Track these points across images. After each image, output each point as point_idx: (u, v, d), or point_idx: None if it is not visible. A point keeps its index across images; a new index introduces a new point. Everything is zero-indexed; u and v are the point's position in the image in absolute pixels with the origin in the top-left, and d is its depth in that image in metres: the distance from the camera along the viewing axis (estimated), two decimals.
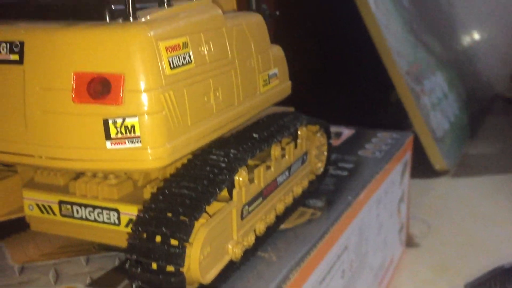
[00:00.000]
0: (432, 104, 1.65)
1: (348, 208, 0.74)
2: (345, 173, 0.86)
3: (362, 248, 0.81)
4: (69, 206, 0.59)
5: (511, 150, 1.74)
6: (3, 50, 0.45)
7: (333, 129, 1.12)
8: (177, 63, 0.46)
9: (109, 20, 0.46)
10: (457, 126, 1.76)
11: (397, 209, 1.02)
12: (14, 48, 0.45)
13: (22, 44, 0.45)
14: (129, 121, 0.43)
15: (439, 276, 1.01)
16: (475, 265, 1.03)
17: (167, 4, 0.50)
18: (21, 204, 0.62)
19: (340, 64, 1.78)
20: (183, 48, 0.48)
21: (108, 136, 0.43)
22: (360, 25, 1.52)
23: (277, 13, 0.74)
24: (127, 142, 0.43)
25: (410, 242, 1.13)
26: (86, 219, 0.59)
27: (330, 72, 1.78)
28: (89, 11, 0.46)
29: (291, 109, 0.80)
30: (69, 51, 0.44)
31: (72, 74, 0.43)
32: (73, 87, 0.43)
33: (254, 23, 0.62)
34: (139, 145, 0.43)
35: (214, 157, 0.55)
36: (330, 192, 0.79)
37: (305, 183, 0.76)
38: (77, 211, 0.59)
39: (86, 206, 0.58)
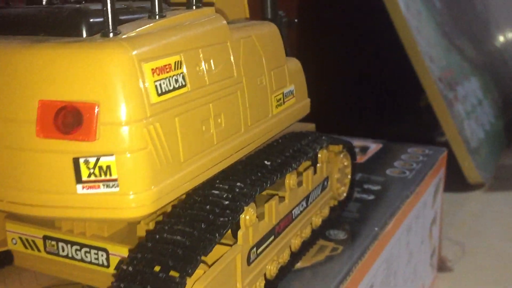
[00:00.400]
0: (466, 112, 1.53)
1: (374, 241, 0.65)
2: (371, 197, 0.77)
3: (390, 283, 0.72)
4: (54, 242, 0.52)
5: None
6: None
7: (359, 142, 1.02)
8: (166, 88, 0.38)
9: (86, 35, 0.38)
10: (493, 135, 1.64)
11: (429, 233, 0.92)
12: None
13: None
14: (104, 161, 0.35)
15: None
16: None
17: (158, 15, 0.41)
18: (5, 236, 0.55)
19: (367, 70, 1.68)
20: (175, 69, 0.39)
21: (79, 179, 0.35)
22: (389, 28, 1.42)
23: (296, 20, 0.65)
24: (101, 186, 0.35)
25: (442, 267, 1.03)
26: (73, 257, 0.51)
27: (356, 78, 1.69)
28: (63, 24, 0.38)
29: (311, 126, 0.70)
30: (34, 74, 0.35)
31: (37, 102, 0.35)
32: (37, 118, 0.35)
33: (267, 34, 0.53)
34: (117, 189, 0.35)
35: (216, 192, 0.47)
36: (354, 221, 0.69)
37: (326, 212, 0.67)
38: (63, 249, 0.51)
39: (72, 243, 0.50)
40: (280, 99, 0.54)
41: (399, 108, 1.87)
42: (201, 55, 0.42)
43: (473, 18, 2.00)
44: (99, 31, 0.38)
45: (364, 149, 0.99)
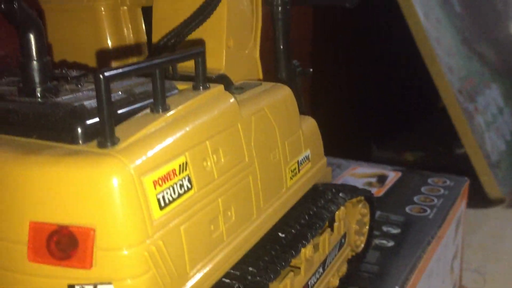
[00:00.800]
0: (487, 123, 1.48)
1: None
2: (390, 243, 0.73)
3: None
4: None
5: None
6: None
7: (377, 170, 0.98)
8: (170, 198, 0.34)
9: (82, 141, 0.34)
10: None
11: (450, 269, 0.88)
12: None
13: None
14: None
15: None
16: None
17: (161, 108, 0.37)
18: None
19: (385, 82, 1.63)
20: (180, 173, 0.35)
21: None
22: (408, 40, 1.36)
23: (311, 70, 0.61)
24: None
25: None
26: None
27: (373, 91, 1.64)
28: (57, 128, 0.34)
29: (322, 161, 0.64)
30: (24, 191, 0.32)
31: (28, 223, 0.32)
32: (28, 241, 0.32)
33: (280, 102, 0.49)
34: None
35: (227, 280, 0.43)
36: (373, 276, 0.65)
37: (343, 269, 0.63)
38: None
39: None
40: (294, 169, 0.50)
41: (417, 113, 1.82)
42: (208, 148, 0.38)
43: (494, 20, 1.93)
44: (95, 135, 0.34)
45: (382, 179, 0.95)
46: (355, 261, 0.67)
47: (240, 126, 0.42)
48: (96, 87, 0.32)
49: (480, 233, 1.24)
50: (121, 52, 0.55)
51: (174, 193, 0.35)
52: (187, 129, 0.37)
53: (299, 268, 0.52)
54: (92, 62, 0.54)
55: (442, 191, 0.88)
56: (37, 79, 0.37)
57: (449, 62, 1.41)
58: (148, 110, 0.38)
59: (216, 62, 0.51)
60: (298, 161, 0.51)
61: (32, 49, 0.37)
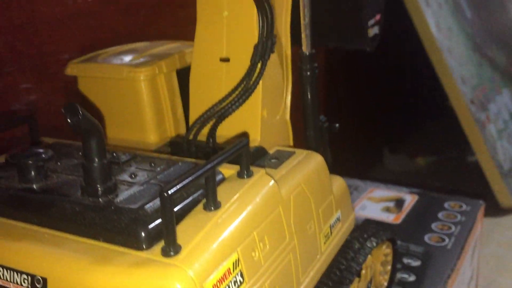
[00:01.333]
0: (498, 131, 1.50)
1: None
2: (412, 278, 0.76)
3: None
4: None
5: None
6: (23, 282, 0.38)
7: (393, 193, 1.01)
8: None
9: (146, 246, 0.37)
10: None
11: None
12: (37, 284, 0.38)
13: (45, 281, 0.37)
14: None
15: None
16: None
17: (213, 206, 0.41)
18: None
19: (396, 87, 1.65)
20: (233, 271, 0.39)
21: None
22: (419, 50, 1.39)
23: (337, 125, 0.64)
24: None
25: None
26: None
27: (385, 98, 1.66)
28: (123, 233, 0.38)
29: (351, 217, 0.68)
30: None
31: None
32: None
33: (314, 173, 0.52)
34: None
35: None
36: None
37: None
38: None
39: None
40: (328, 233, 0.54)
41: (429, 118, 1.84)
42: (256, 238, 0.42)
43: (504, 22, 1.94)
44: (157, 238, 0.38)
45: (399, 203, 0.98)
46: None
47: (281, 208, 0.46)
48: (161, 203, 0.35)
49: (493, 243, 1.27)
50: (160, 120, 0.58)
51: None
52: (239, 225, 0.40)
53: None
54: (132, 132, 0.57)
55: (459, 217, 0.91)
56: (98, 180, 0.41)
57: (461, 72, 1.43)
58: (201, 207, 0.41)
59: (252, 133, 0.54)
60: (330, 225, 0.54)
61: (94, 152, 0.40)
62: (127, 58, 0.59)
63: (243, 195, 0.43)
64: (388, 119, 1.71)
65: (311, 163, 0.52)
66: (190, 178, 0.37)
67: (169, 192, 0.35)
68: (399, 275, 0.77)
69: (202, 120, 0.53)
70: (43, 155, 0.45)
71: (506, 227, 1.35)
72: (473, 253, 0.92)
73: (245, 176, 0.45)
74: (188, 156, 0.52)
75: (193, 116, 0.56)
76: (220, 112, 0.53)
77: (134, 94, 0.57)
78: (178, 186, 0.36)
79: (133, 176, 0.44)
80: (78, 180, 0.43)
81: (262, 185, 0.45)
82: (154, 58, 0.59)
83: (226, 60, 0.54)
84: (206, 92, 0.55)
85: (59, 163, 0.47)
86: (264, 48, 0.51)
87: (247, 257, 0.40)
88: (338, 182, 0.58)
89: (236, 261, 0.39)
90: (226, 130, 0.54)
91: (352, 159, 1.52)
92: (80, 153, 0.48)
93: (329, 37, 0.66)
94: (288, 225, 0.46)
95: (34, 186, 0.43)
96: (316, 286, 0.54)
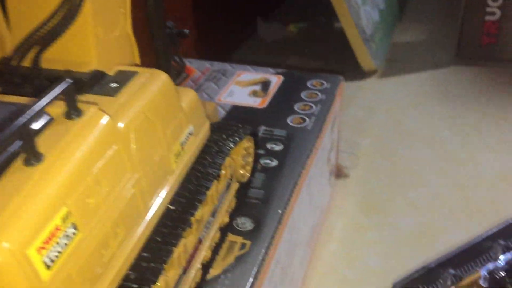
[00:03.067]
0: None
1: (279, 225, 0.68)
2: (274, 163, 0.77)
3: (292, 244, 0.76)
4: None
5: (437, 33, 1.65)
6: None
7: (260, 75, 0.99)
8: (56, 253, 0.35)
9: None
10: (387, 13, 1.64)
11: (327, 161, 0.96)
12: None
13: None
14: None
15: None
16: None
17: (34, 159, 0.36)
18: None
19: None
20: (63, 225, 0.35)
21: None
22: None
23: (187, 31, 0.58)
24: None
25: (339, 174, 1.09)
26: None
27: None
28: None
29: (206, 126, 0.63)
30: None
31: None
32: None
33: (160, 96, 0.47)
34: None
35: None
36: (259, 203, 0.70)
37: (232, 204, 0.67)
38: None
39: None
40: (178, 151, 0.51)
41: None
42: (90, 184, 0.38)
43: None
44: None
45: (265, 85, 0.97)
46: (242, 190, 0.70)
47: (120, 144, 0.42)
48: None
49: (355, 106, 1.32)
50: None
51: (61, 245, 0.35)
52: (67, 176, 0.36)
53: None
54: None
55: (319, 95, 0.92)
56: None
57: None
58: (20, 163, 0.36)
59: (86, 56, 0.47)
60: (181, 143, 0.51)
61: None
62: None
63: (71, 141, 0.38)
64: None
65: (155, 85, 0.48)
66: None
67: None
68: (262, 161, 0.77)
69: (25, 46, 0.45)
70: None
71: (366, 89, 1.40)
72: (332, 127, 0.94)
73: (73, 116, 0.40)
74: (11, 86, 0.45)
75: (15, 37, 0.48)
76: (44, 36, 0.45)
77: None
78: None
79: None
80: None
81: (94, 125, 0.40)
82: None
83: None
84: (28, 10, 0.47)
85: None
86: None
87: (80, 206, 0.37)
88: (189, 95, 0.54)
89: (65, 215, 0.36)
90: (58, 53, 0.47)
91: (227, 34, 1.47)
92: None
93: None
94: (130, 159, 0.43)
95: None
96: (173, 199, 0.52)
